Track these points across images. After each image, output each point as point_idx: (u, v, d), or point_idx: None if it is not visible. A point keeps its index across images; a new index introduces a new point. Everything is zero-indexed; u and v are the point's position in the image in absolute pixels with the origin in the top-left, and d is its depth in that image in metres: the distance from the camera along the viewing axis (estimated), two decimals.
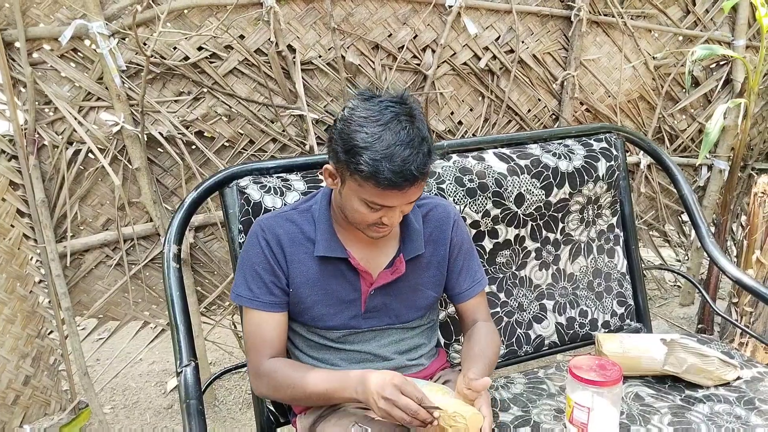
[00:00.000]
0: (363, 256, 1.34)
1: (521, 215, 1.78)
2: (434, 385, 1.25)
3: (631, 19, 2.68)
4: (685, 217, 3.16)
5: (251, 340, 1.33)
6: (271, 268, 1.31)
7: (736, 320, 2.61)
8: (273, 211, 1.46)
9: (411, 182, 1.14)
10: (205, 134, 2.23)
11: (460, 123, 2.56)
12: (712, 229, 2.93)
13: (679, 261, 3.34)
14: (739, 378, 1.64)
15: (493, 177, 1.74)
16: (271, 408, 1.56)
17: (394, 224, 1.23)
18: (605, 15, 2.62)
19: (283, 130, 2.27)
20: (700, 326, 2.96)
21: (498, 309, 1.79)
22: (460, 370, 1.43)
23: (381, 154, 1.12)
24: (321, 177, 1.61)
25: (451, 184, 1.69)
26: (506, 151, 1.83)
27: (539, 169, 1.79)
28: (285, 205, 1.51)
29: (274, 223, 1.34)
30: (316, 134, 2.27)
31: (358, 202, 1.21)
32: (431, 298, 1.43)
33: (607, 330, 1.92)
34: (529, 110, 2.65)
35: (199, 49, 2.10)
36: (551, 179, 1.79)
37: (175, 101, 2.14)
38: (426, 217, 1.42)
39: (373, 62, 2.33)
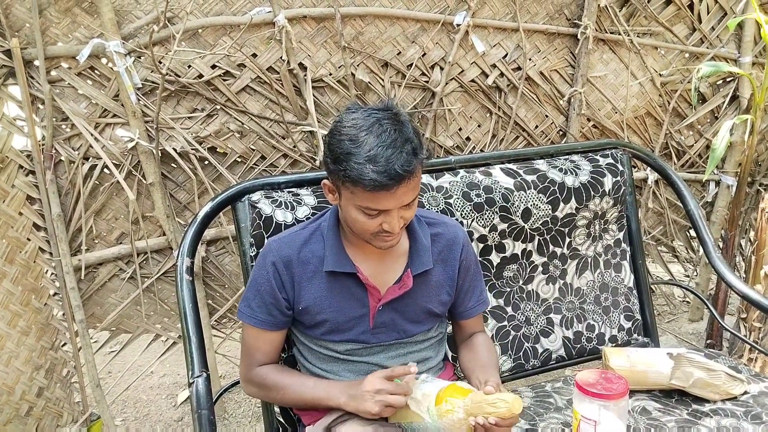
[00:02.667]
0: (371, 273, 1.36)
1: (528, 230, 1.80)
2: (460, 385, 1.27)
3: (638, 36, 2.71)
4: (693, 232, 3.16)
5: (245, 349, 1.41)
6: (273, 291, 1.34)
7: (745, 336, 2.61)
8: (284, 231, 1.48)
9: (397, 181, 1.15)
10: (218, 150, 2.28)
11: (468, 139, 2.60)
12: (720, 244, 2.93)
13: (687, 276, 3.34)
14: (746, 392, 1.64)
15: (500, 192, 1.76)
16: (281, 420, 1.58)
17: (395, 230, 1.22)
18: (611, 33, 2.65)
19: (294, 146, 2.31)
20: (708, 342, 2.95)
21: (505, 323, 1.80)
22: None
23: (364, 157, 1.14)
24: None
25: (458, 198, 1.72)
26: (513, 166, 1.85)
27: (546, 184, 1.81)
28: (295, 220, 1.54)
29: (284, 244, 1.36)
30: None
31: (355, 211, 1.22)
32: (437, 315, 1.45)
33: (614, 344, 1.93)
34: (537, 126, 2.68)
35: (213, 67, 2.15)
36: (558, 194, 1.82)
37: (189, 118, 2.19)
38: (435, 236, 1.43)
39: (383, 80, 2.37)
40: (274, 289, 1.34)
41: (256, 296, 1.35)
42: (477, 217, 1.73)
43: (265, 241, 1.48)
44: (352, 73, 2.30)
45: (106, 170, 2.13)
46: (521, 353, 1.82)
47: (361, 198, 1.19)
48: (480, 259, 1.76)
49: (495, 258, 1.79)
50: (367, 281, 1.34)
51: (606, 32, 2.63)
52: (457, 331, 1.56)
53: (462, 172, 1.79)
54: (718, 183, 3.06)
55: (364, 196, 1.18)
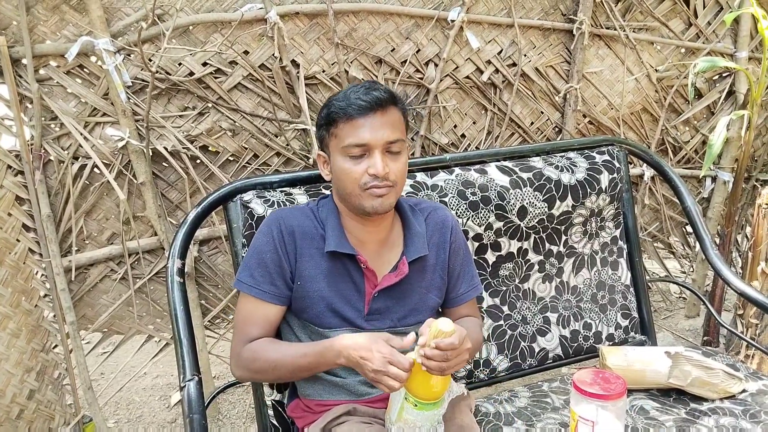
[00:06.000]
0: (369, 258, 1.36)
1: (524, 228, 1.78)
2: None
3: (633, 31, 2.69)
4: (689, 228, 3.15)
5: (241, 324, 1.35)
6: (278, 259, 1.32)
7: (742, 332, 2.60)
8: (288, 207, 1.51)
9: (371, 105, 1.24)
10: (210, 149, 2.25)
11: (463, 136, 2.57)
12: (717, 240, 2.92)
13: (684, 272, 3.33)
14: (744, 391, 1.63)
15: (495, 190, 1.74)
16: (275, 422, 1.55)
17: (380, 172, 1.25)
18: (607, 28, 2.63)
19: (287, 144, 2.29)
20: (705, 338, 2.94)
21: (501, 322, 1.79)
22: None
23: (343, 96, 1.27)
24: (325, 191, 1.62)
25: (453, 197, 1.70)
26: (509, 164, 1.83)
27: (542, 181, 1.79)
28: None
29: (290, 215, 1.37)
30: None
31: (341, 159, 1.27)
32: (433, 302, 1.44)
33: (611, 343, 1.92)
34: (532, 123, 2.66)
35: (204, 64, 2.12)
36: (554, 192, 1.80)
37: (180, 116, 2.16)
38: (427, 220, 1.44)
39: (377, 76, 2.34)
40: (279, 258, 1.32)
41: (260, 265, 1.33)
42: (472, 216, 1.71)
43: (269, 212, 1.49)
44: (346, 70, 2.28)
45: (96, 170, 2.10)
46: (518, 353, 1.80)
47: (342, 137, 1.26)
48: (475, 257, 1.75)
49: (491, 257, 1.77)
50: (366, 264, 1.34)
51: (602, 27, 2.61)
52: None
53: (457, 170, 1.77)
54: (714, 179, 3.05)
55: (345, 131, 1.25)
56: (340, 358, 1.21)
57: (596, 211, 1.89)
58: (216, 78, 2.15)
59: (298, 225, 1.35)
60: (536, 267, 1.85)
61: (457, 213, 1.69)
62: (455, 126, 2.55)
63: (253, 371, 1.34)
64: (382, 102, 1.25)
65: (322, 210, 1.38)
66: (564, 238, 1.87)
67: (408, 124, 1.35)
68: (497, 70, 2.51)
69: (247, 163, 2.29)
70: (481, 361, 1.77)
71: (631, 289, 1.98)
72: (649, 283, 2.65)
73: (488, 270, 1.78)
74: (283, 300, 1.35)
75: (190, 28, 2.08)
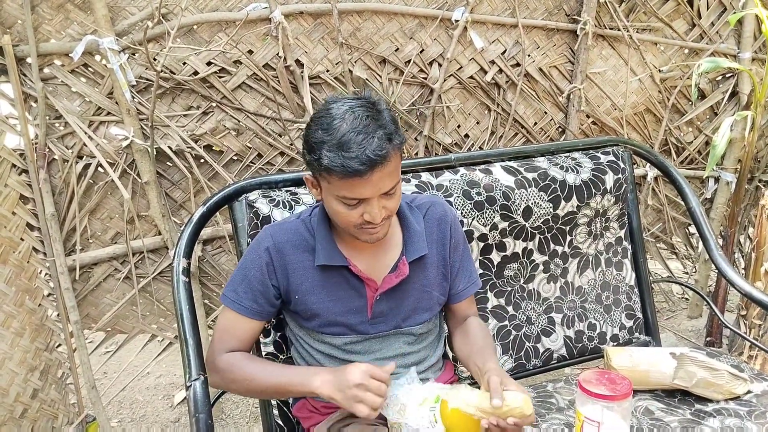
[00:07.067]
0: (366, 263, 1.35)
1: (529, 228, 1.78)
2: (464, 387, 1.23)
3: (637, 32, 2.69)
4: (692, 229, 3.15)
5: (219, 333, 1.35)
6: (263, 278, 1.32)
7: (745, 333, 2.60)
8: (282, 219, 1.48)
9: (370, 167, 1.13)
10: (214, 148, 2.25)
11: (466, 136, 2.57)
12: (720, 241, 2.92)
13: (686, 273, 3.33)
14: (749, 392, 1.63)
15: (500, 190, 1.74)
16: (280, 423, 1.55)
17: (376, 220, 1.20)
18: (611, 28, 2.63)
19: (291, 144, 2.29)
20: (708, 339, 2.94)
21: (506, 322, 1.79)
22: (468, 381, 1.44)
23: (336, 144, 1.13)
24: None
25: (458, 197, 1.70)
26: (513, 164, 1.83)
27: (547, 182, 1.79)
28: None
29: (281, 231, 1.35)
30: None
31: (335, 202, 1.21)
32: (438, 300, 1.43)
33: (615, 343, 1.92)
34: (536, 123, 2.66)
35: (209, 64, 2.12)
36: (559, 192, 1.80)
37: (185, 115, 2.16)
38: (425, 216, 1.42)
39: (380, 76, 2.35)
40: (264, 276, 1.32)
41: (243, 281, 1.33)
42: (477, 216, 1.71)
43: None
44: (350, 70, 2.28)
45: (100, 169, 2.11)
46: (522, 353, 1.80)
47: (337, 187, 1.17)
48: (480, 258, 1.75)
49: (495, 257, 1.77)
50: (360, 273, 1.32)
51: (605, 28, 2.61)
52: (449, 317, 1.53)
53: (462, 170, 1.77)
54: (717, 179, 3.05)
55: (340, 184, 1.16)
56: (322, 381, 1.21)
57: (601, 211, 1.89)
58: (220, 77, 2.15)
59: (288, 240, 1.33)
60: (541, 267, 1.85)
61: (462, 213, 1.68)
62: (459, 126, 2.55)
63: (228, 380, 1.33)
64: (380, 158, 1.13)
65: (314, 219, 1.36)
66: (569, 238, 1.87)
67: (402, 154, 1.25)
68: (501, 70, 2.51)
69: (251, 162, 2.29)
70: None
71: (636, 290, 1.98)
72: (652, 284, 2.66)
73: (493, 270, 1.77)
74: (264, 316, 1.35)
75: (195, 27, 2.08)
